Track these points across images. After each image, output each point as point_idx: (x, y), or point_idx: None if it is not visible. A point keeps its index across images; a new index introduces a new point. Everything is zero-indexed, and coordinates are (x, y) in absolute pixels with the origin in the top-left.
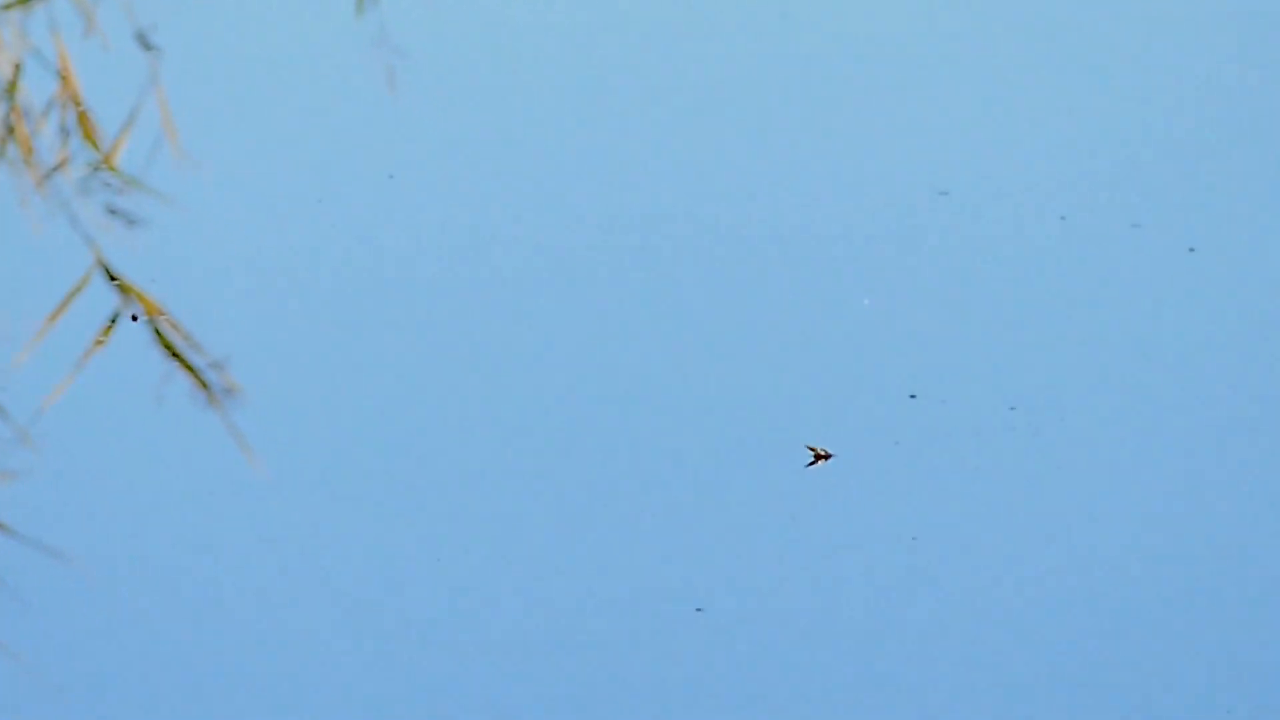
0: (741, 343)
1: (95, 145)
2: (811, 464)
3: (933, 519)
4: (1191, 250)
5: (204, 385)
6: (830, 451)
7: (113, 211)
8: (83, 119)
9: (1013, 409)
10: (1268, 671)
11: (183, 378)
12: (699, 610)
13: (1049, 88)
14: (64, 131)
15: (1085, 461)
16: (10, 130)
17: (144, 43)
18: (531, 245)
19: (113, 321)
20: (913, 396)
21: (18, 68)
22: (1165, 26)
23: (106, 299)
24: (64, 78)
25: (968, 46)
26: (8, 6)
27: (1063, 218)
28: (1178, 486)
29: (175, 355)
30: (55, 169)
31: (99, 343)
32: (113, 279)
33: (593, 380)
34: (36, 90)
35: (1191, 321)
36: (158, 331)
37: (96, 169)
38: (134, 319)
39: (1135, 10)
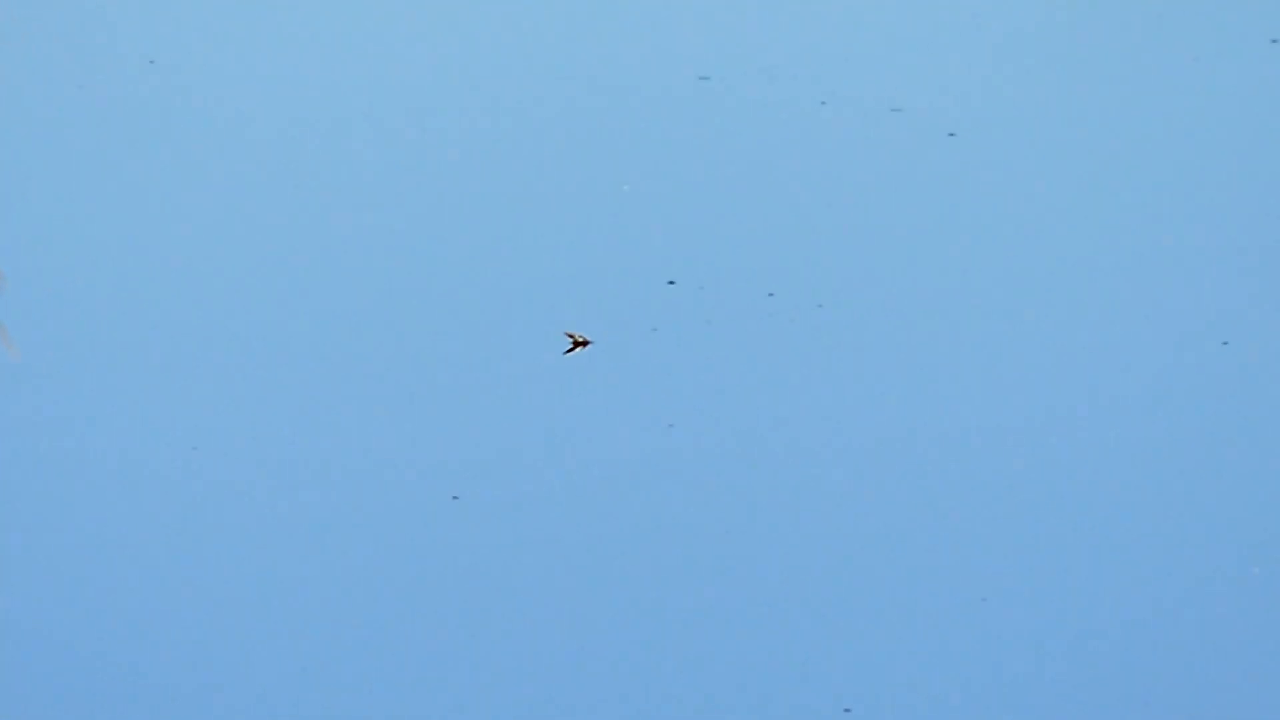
0: (495, 228)
1: None
2: (569, 351)
3: (690, 406)
4: (952, 135)
5: None
6: (588, 338)
7: None
8: None
9: (771, 295)
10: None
11: None
12: (455, 498)
13: None
14: None
15: (843, 346)
16: None
17: None
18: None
19: None
20: (671, 283)
21: None
22: None
23: None
24: None
25: None
26: None
27: (823, 102)
28: (938, 363)
29: None
30: None
31: None
32: None
33: (349, 257)
34: None
35: (950, 205)
36: None
37: None
38: None
39: None
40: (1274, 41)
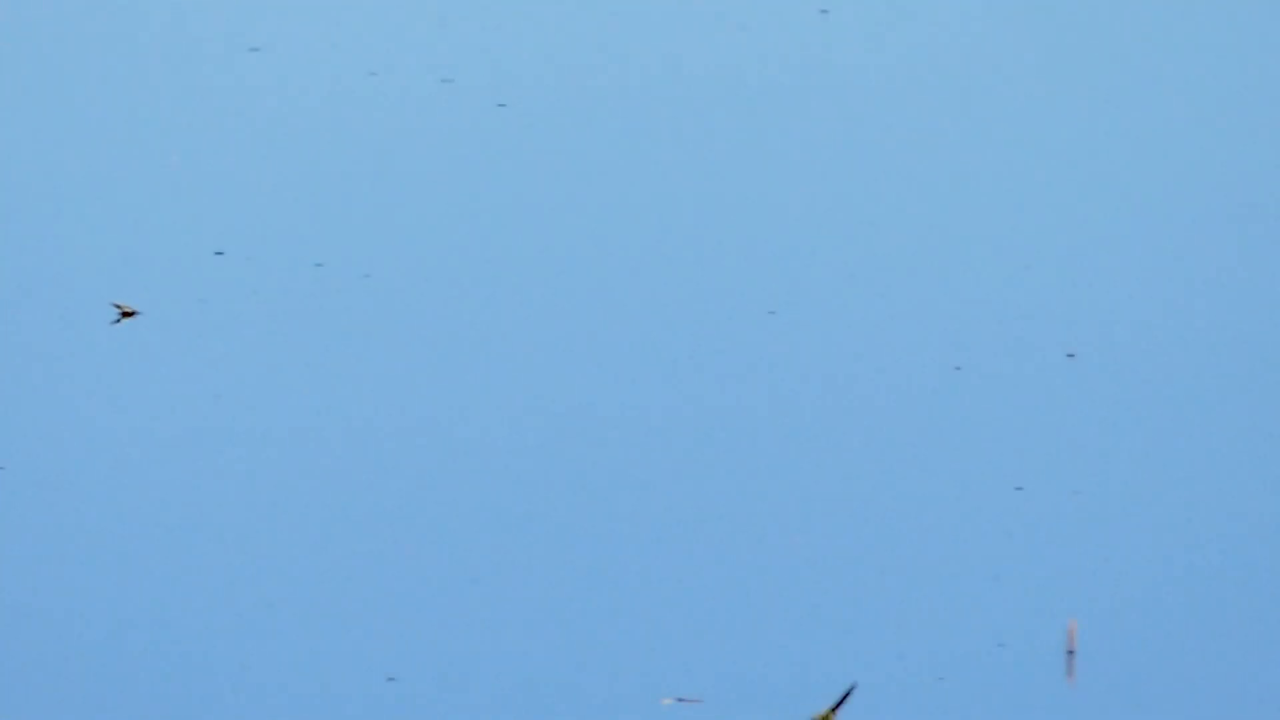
0: (47, 198)
1: None
2: (117, 321)
3: (238, 376)
4: (501, 105)
5: None
6: (135, 308)
7: None
8: None
9: (319, 265)
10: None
11: None
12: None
13: None
14: None
15: (389, 315)
16: None
17: None
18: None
19: None
20: (219, 253)
21: None
22: None
23: None
24: None
25: None
26: None
27: (372, 74)
28: (487, 333)
29: None
30: None
31: None
32: None
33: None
34: None
35: (497, 175)
36: None
37: None
38: None
39: None
40: (823, 12)
